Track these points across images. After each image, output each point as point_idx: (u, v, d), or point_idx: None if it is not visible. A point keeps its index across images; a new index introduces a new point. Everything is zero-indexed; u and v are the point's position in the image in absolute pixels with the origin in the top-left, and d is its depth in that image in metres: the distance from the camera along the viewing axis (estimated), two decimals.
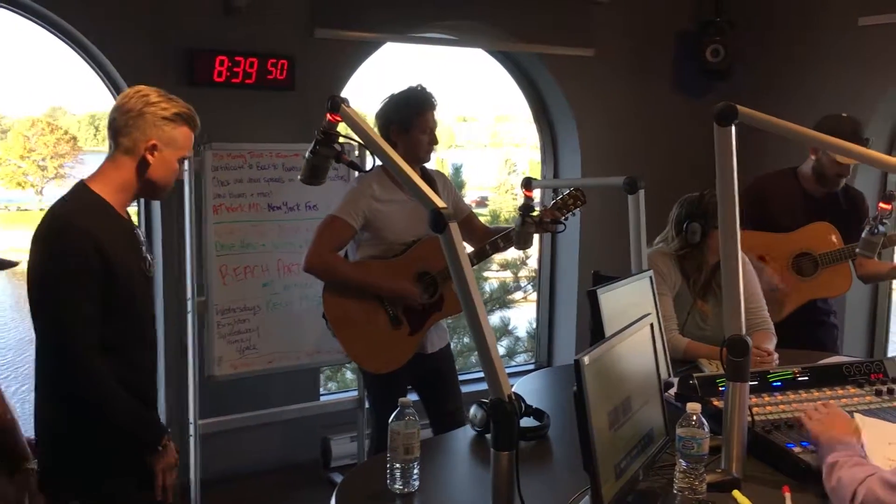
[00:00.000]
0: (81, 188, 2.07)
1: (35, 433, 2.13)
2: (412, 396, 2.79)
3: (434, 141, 2.98)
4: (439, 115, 3.05)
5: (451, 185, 3.15)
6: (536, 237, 3.46)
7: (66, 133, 22.55)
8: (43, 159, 22.27)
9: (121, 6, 3.58)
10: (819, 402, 2.10)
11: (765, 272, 3.20)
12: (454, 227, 1.73)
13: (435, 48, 4.87)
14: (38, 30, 3.63)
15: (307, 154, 2.07)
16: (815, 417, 1.97)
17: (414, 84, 3.00)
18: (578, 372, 1.52)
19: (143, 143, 2.04)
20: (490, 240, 3.02)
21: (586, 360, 1.54)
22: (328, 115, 1.98)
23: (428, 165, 3.12)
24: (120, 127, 2.05)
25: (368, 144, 1.91)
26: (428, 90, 3.00)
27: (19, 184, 22.38)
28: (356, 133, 1.93)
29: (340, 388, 6.77)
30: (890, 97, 4.34)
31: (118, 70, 3.65)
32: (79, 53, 3.76)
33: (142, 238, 2.19)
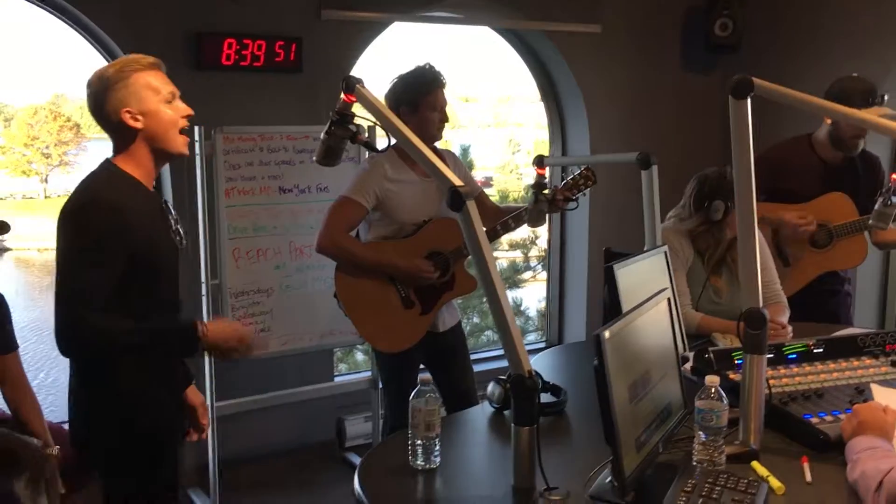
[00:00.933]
0: (108, 165, 2.07)
1: (69, 415, 2.14)
2: (423, 375, 2.83)
3: (444, 119, 2.98)
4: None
5: (461, 164, 3.15)
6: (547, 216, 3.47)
7: (68, 120, 22.58)
8: (47, 147, 22.32)
9: None
10: (846, 375, 2.09)
11: (784, 218, 3.20)
12: (472, 205, 1.74)
13: (441, 27, 4.85)
14: (40, 16, 3.64)
15: (322, 135, 2.07)
16: (854, 416, 1.87)
17: (421, 63, 2.99)
18: (599, 346, 1.53)
19: (119, 115, 1.99)
20: (501, 220, 3.02)
21: (607, 334, 1.56)
22: (343, 96, 1.98)
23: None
24: (97, 117, 2.04)
25: (384, 125, 1.91)
26: (436, 68, 2.99)
27: (24, 172, 22.45)
28: (371, 114, 1.94)
29: (351, 369, 6.82)
30: None
31: (125, 54, 3.64)
32: (86, 38, 3.77)
33: (172, 211, 2.19)
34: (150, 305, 2.06)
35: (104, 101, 2.00)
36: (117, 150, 2.07)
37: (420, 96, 2.92)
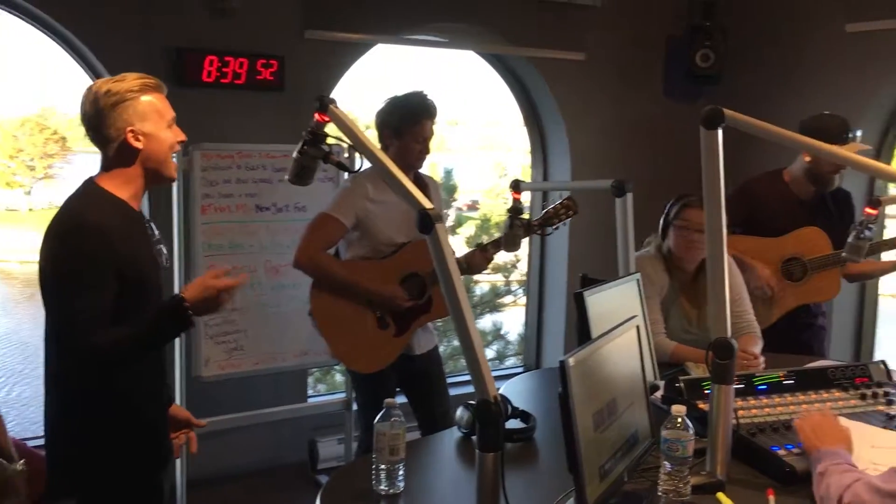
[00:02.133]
0: (91, 185, 2.05)
1: (45, 432, 2.11)
2: (400, 398, 2.81)
3: (426, 150, 2.98)
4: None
5: (439, 194, 3.16)
6: (525, 240, 3.47)
7: (55, 133, 22.45)
8: (32, 159, 22.17)
9: (111, 6, 3.57)
10: (815, 407, 2.11)
11: (756, 270, 3.22)
12: (441, 228, 1.73)
13: (427, 50, 4.87)
14: (29, 30, 3.62)
15: (294, 154, 2.06)
16: (808, 425, 1.96)
17: (417, 90, 2.99)
18: (563, 373, 1.53)
19: (121, 133, 1.98)
20: (478, 245, 3.02)
21: (571, 361, 1.55)
22: (316, 115, 1.97)
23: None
24: (94, 131, 2.02)
25: (357, 145, 1.90)
26: (429, 98, 2.99)
27: (8, 184, 22.26)
28: (345, 133, 1.93)
29: (330, 389, 6.77)
30: (877, 102, 4.37)
31: (108, 70, 3.63)
32: (69, 53, 3.75)
33: (155, 231, 2.17)
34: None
35: (107, 116, 1.98)
36: (107, 167, 2.05)
37: (406, 124, 2.93)
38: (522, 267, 7.52)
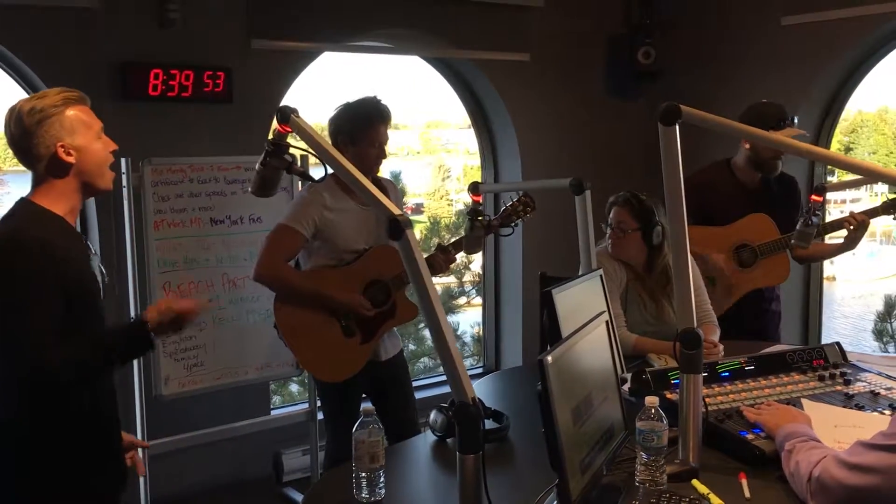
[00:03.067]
0: (25, 203, 2.01)
1: None
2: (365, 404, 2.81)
3: (382, 154, 2.98)
4: None
5: (399, 196, 3.16)
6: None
7: None
8: None
9: (51, 20, 3.49)
10: (763, 403, 2.18)
11: (710, 259, 3.30)
12: (411, 234, 1.74)
13: (371, 57, 4.87)
14: None
15: (257, 166, 2.05)
16: (766, 412, 2.05)
17: (369, 95, 2.98)
18: (542, 371, 1.54)
19: (50, 149, 1.95)
20: (439, 246, 3.03)
21: (549, 359, 1.57)
22: (278, 126, 1.96)
23: None
24: (22, 150, 1.98)
25: (321, 154, 1.90)
26: (382, 103, 2.98)
27: None
28: (307, 143, 1.92)
29: (286, 401, 6.69)
30: (813, 92, 4.51)
31: (47, 86, 3.55)
32: (6, 71, 3.66)
33: (92, 248, 2.14)
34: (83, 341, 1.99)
35: (34, 134, 1.94)
36: (38, 183, 2.01)
37: (360, 129, 2.91)
38: (475, 268, 7.55)
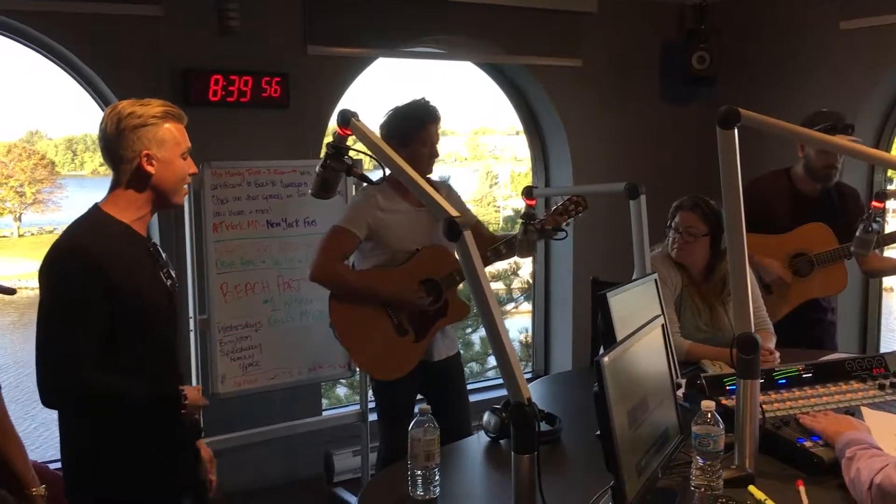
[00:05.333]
0: (94, 210, 2.07)
1: (61, 452, 2.12)
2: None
3: (434, 154, 3.02)
4: None
5: (455, 194, 3.19)
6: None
7: (43, 158, 22.39)
8: (20, 185, 22.12)
9: (116, 29, 3.60)
10: (821, 411, 2.15)
11: (760, 264, 3.26)
12: (468, 235, 1.76)
13: (424, 62, 4.91)
14: (12, 53, 3.64)
15: (318, 168, 2.10)
16: (823, 419, 2.02)
17: (418, 97, 3.03)
18: (600, 372, 1.55)
19: (136, 156, 2.01)
20: (492, 246, 3.04)
21: (606, 360, 1.58)
22: (338, 129, 2.01)
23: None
24: (110, 150, 2.04)
25: (379, 157, 1.93)
26: (431, 103, 3.03)
27: None
28: (367, 146, 1.96)
29: (333, 404, 6.76)
30: (873, 98, 4.42)
31: (114, 92, 3.67)
32: (73, 77, 3.78)
33: (163, 255, 2.18)
34: (142, 353, 2.05)
35: (126, 137, 2.00)
36: (113, 188, 2.07)
37: (412, 130, 2.96)
38: (523, 274, 7.55)
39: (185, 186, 2.14)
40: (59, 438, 2.11)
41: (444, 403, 3.14)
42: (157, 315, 2.10)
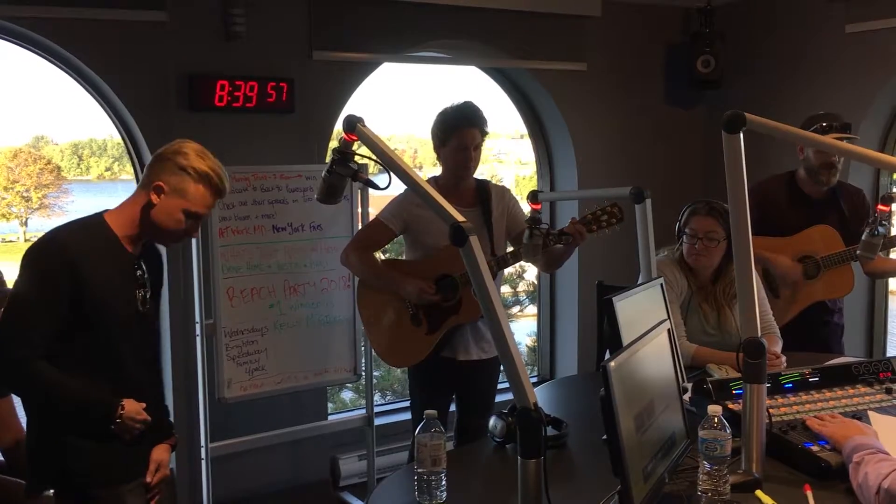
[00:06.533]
0: (95, 215, 2.16)
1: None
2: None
3: (469, 157, 3.04)
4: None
5: (509, 199, 3.20)
6: None
7: (48, 163, 22.46)
8: (27, 190, 22.19)
9: (122, 34, 3.61)
10: (828, 415, 2.15)
11: (770, 261, 3.27)
12: (474, 241, 1.76)
13: (429, 67, 4.92)
14: (17, 58, 3.66)
15: (323, 173, 2.10)
16: (830, 424, 2.02)
17: (462, 100, 3.08)
18: (606, 377, 1.55)
19: (153, 182, 2.11)
20: (497, 256, 3.06)
21: (612, 365, 1.58)
22: (344, 135, 2.01)
23: None
24: (150, 164, 2.16)
25: (385, 162, 1.94)
26: (472, 107, 3.06)
27: (3, 215, 22.26)
28: (372, 151, 1.97)
29: (338, 409, 6.76)
30: (878, 101, 4.42)
31: (119, 97, 3.68)
32: (79, 82, 3.79)
33: (144, 274, 2.24)
34: (89, 358, 2.10)
35: (163, 162, 2.12)
36: (124, 201, 2.17)
37: (447, 132, 3.03)
38: (528, 277, 7.55)
39: (170, 242, 2.29)
40: None
41: (467, 405, 3.24)
42: (113, 329, 2.13)
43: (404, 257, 3.27)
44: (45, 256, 2.05)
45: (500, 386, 3.44)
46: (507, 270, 7.59)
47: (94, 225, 2.12)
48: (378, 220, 3.14)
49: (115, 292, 2.12)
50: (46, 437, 2.13)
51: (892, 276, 3.91)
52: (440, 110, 3.09)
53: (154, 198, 2.10)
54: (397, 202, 3.13)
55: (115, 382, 2.15)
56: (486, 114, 3.09)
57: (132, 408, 2.13)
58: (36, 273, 2.04)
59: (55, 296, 2.02)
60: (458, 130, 3.02)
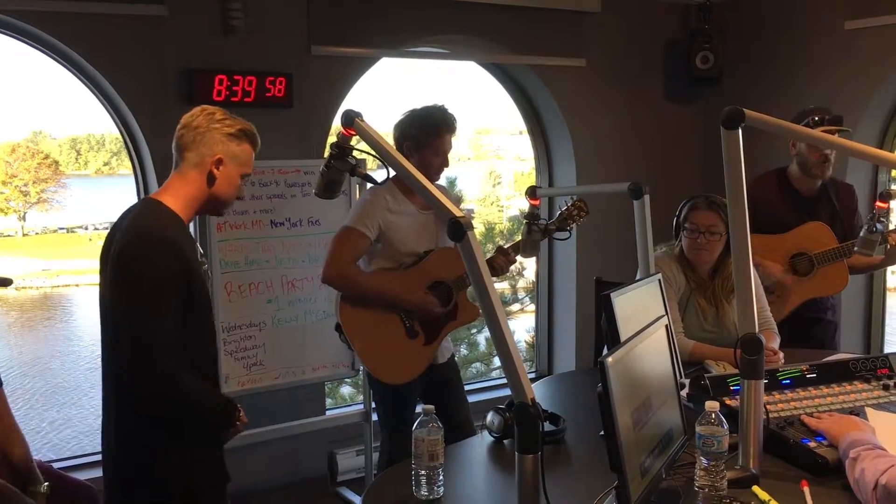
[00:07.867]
0: (154, 204, 2.10)
1: (103, 450, 2.19)
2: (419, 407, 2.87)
3: (445, 164, 3.01)
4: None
5: (454, 199, 3.20)
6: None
7: (46, 157, 22.47)
8: (25, 185, 22.19)
9: (120, 29, 3.60)
10: (826, 411, 2.15)
11: (762, 267, 3.26)
12: (472, 236, 1.76)
13: (428, 62, 4.92)
14: (15, 53, 3.66)
15: (322, 168, 2.10)
16: (827, 420, 2.02)
17: (437, 103, 3.02)
18: (604, 372, 1.55)
19: (210, 157, 2.09)
20: (499, 248, 3.06)
21: (610, 360, 1.58)
22: (342, 129, 2.01)
23: None
24: (187, 143, 2.10)
25: (384, 157, 1.93)
26: (449, 112, 3.00)
27: (1, 210, 22.26)
28: (371, 146, 1.96)
29: (337, 403, 6.78)
30: (877, 97, 4.42)
31: (118, 91, 3.67)
32: (77, 77, 3.78)
33: (200, 250, 2.24)
34: (203, 338, 2.13)
35: (208, 136, 2.09)
36: (171, 184, 2.13)
37: (426, 137, 2.95)
38: (528, 274, 7.56)
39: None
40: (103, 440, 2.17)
41: (447, 405, 3.15)
42: (209, 309, 2.17)
43: (365, 267, 3.05)
44: (157, 256, 1.99)
45: (493, 382, 3.45)
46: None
47: (169, 213, 2.08)
48: (353, 228, 2.91)
49: (201, 269, 2.14)
50: (174, 452, 2.11)
51: (875, 269, 3.91)
52: (410, 112, 3.00)
53: (216, 171, 2.09)
54: (367, 207, 2.95)
55: (208, 363, 2.18)
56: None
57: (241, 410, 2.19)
58: (160, 278, 1.98)
59: (176, 294, 2.00)
60: (440, 136, 2.95)
